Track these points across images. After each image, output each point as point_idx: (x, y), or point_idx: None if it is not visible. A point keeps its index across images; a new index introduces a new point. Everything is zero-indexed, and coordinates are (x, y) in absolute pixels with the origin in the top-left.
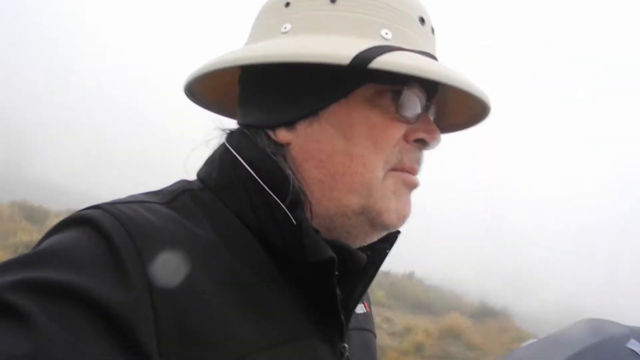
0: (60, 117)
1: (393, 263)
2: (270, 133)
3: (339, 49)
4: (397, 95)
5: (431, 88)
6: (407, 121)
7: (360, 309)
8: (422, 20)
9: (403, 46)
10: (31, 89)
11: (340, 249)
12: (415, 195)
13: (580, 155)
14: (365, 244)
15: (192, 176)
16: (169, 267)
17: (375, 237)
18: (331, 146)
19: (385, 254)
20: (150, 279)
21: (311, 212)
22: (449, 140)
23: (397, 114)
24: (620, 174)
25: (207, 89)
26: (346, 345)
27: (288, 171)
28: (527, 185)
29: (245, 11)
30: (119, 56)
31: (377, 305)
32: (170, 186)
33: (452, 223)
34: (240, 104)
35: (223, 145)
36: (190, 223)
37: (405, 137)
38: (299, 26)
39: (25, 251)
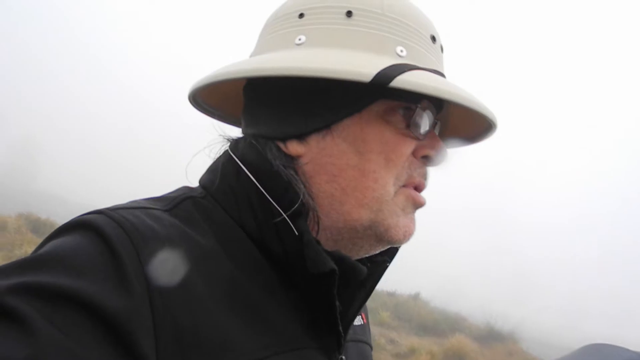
0: (67, 131)
1: (399, 284)
2: (281, 144)
3: (360, 66)
4: (407, 111)
5: (438, 105)
6: (416, 138)
7: (357, 320)
8: (433, 39)
9: (417, 64)
10: (39, 103)
11: (341, 260)
12: (426, 218)
13: (600, 191)
14: (367, 255)
15: (194, 183)
16: (169, 274)
17: (378, 250)
18: (344, 161)
19: (385, 267)
20: (151, 285)
21: (319, 224)
22: (463, 168)
23: (407, 130)
24: None
25: (207, 96)
26: (343, 357)
27: (300, 185)
28: (537, 213)
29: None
30: (131, 71)
31: (381, 326)
32: (172, 192)
33: (461, 245)
34: (247, 112)
35: (226, 153)
36: (192, 230)
37: (414, 153)
38: (314, 39)
39: None
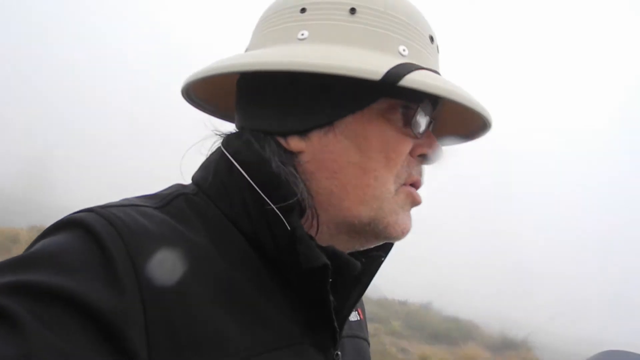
0: (79, 143)
1: (410, 293)
2: (281, 140)
3: (369, 64)
4: (406, 110)
5: (435, 104)
6: (414, 136)
7: (354, 316)
8: (431, 39)
9: (419, 64)
10: (51, 115)
11: (335, 256)
12: (438, 227)
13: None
14: (362, 249)
15: (187, 180)
16: (161, 272)
17: (373, 245)
18: (345, 158)
19: (381, 262)
20: (142, 283)
21: (318, 220)
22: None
23: (405, 128)
24: None
25: (197, 90)
26: (339, 352)
27: (299, 182)
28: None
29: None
30: (145, 86)
31: (392, 335)
32: (164, 190)
33: (473, 252)
34: (243, 107)
35: (219, 149)
36: (184, 227)
37: (411, 152)
38: (317, 34)
39: None
